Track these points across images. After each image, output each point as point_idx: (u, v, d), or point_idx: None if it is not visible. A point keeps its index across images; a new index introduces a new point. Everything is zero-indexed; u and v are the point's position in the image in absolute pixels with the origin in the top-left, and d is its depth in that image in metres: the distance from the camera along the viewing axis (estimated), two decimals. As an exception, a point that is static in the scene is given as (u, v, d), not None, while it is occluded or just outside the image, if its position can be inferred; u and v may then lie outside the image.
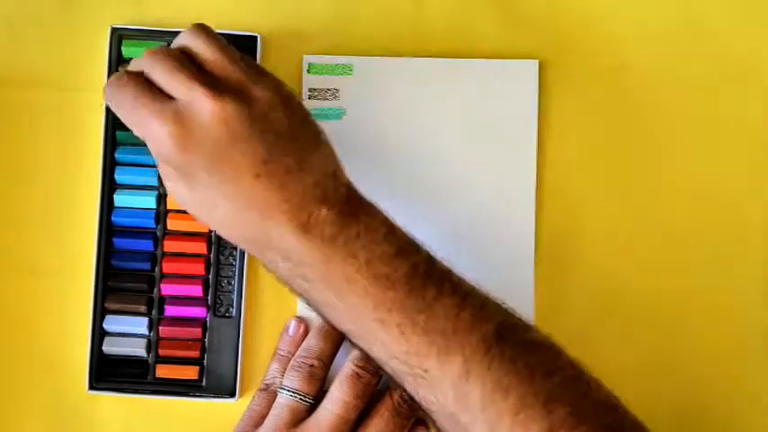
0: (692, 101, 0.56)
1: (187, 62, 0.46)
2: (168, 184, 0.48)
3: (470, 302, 0.46)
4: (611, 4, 0.57)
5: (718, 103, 0.56)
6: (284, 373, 0.52)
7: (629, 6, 0.57)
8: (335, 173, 0.47)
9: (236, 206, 0.45)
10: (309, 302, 0.48)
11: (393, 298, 0.45)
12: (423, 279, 0.46)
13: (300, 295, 0.48)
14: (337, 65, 0.56)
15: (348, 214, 0.46)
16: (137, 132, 0.46)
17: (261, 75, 0.47)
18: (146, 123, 0.45)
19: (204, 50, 0.46)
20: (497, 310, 0.47)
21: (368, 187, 0.50)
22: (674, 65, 0.56)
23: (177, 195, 0.47)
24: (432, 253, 0.48)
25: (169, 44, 0.48)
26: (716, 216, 0.55)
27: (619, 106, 0.56)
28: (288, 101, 0.47)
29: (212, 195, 0.46)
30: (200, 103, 0.44)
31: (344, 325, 0.47)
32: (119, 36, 0.56)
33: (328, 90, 0.56)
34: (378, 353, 0.46)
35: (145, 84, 0.46)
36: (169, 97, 0.45)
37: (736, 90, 0.56)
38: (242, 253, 0.55)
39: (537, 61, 0.55)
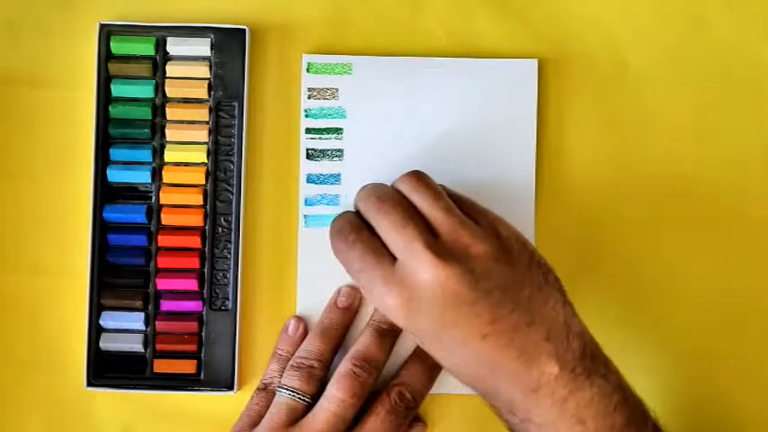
0: (692, 101, 0.56)
1: (411, 219, 0.46)
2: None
3: None
4: (611, 4, 0.56)
5: (718, 102, 0.56)
6: (283, 372, 0.52)
7: (628, 6, 0.56)
8: (566, 322, 0.46)
9: (464, 362, 0.46)
10: None
11: None
12: None
13: None
14: (337, 64, 0.55)
15: (581, 375, 0.44)
16: (364, 293, 0.48)
17: (477, 222, 0.47)
18: (372, 289, 0.46)
19: (422, 204, 0.46)
20: None
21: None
22: (674, 65, 0.56)
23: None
24: (657, 421, 0.46)
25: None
26: (717, 215, 0.55)
27: (618, 106, 0.56)
28: (509, 249, 0.46)
29: (441, 349, 0.46)
30: (424, 270, 0.44)
31: None
32: (107, 32, 0.55)
33: (328, 89, 0.55)
34: None
35: (371, 243, 0.47)
36: (393, 256, 0.46)
37: (737, 90, 0.56)
38: (237, 246, 0.54)
39: (537, 61, 0.55)
